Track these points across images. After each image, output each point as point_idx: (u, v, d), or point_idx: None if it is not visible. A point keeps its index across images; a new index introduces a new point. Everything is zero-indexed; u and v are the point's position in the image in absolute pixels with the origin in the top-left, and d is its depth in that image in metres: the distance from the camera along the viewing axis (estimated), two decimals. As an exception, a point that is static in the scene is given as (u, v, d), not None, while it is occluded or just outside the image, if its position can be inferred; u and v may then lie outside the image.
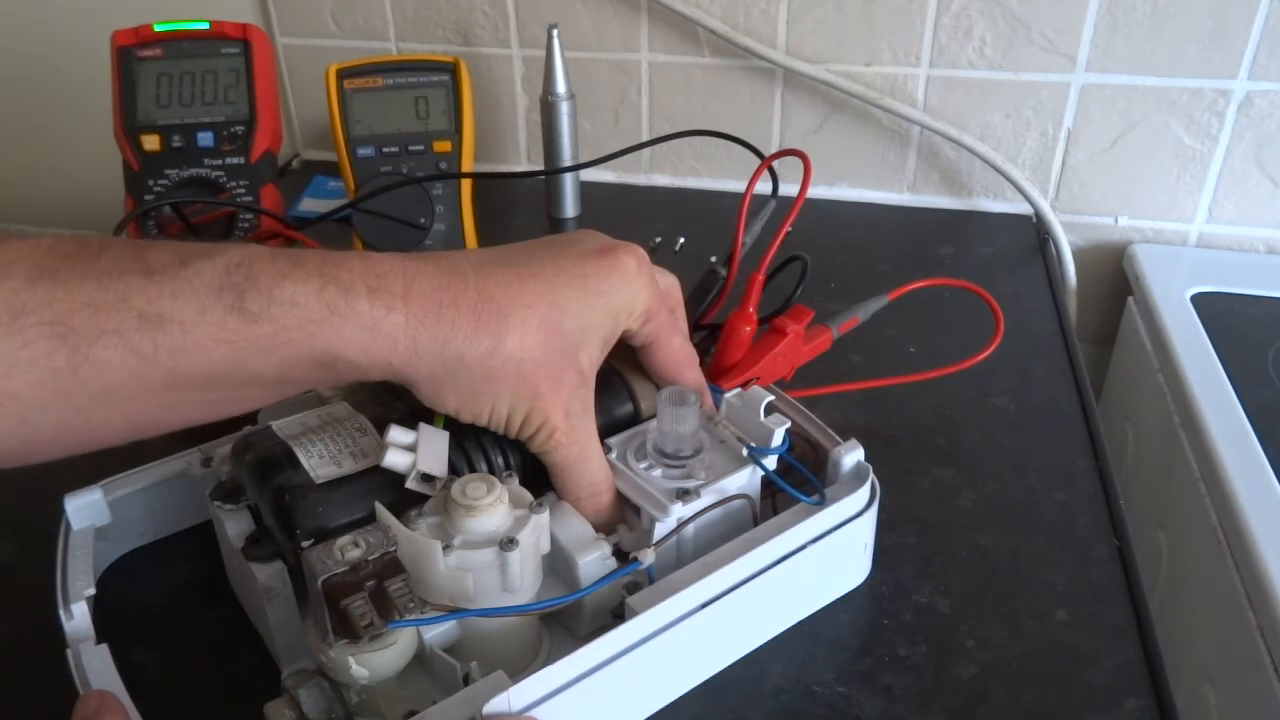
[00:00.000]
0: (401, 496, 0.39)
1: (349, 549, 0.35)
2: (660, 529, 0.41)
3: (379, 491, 0.39)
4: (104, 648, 0.38)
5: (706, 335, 0.53)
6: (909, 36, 0.81)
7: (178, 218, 0.61)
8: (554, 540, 0.40)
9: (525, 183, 0.92)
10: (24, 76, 1.01)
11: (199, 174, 0.62)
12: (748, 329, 0.51)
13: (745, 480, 0.44)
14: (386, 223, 0.63)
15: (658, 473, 0.43)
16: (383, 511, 0.37)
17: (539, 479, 0.42)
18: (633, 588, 0.40)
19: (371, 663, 0.35)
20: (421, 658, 0.38)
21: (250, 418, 0.43)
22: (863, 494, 0.45)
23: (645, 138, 0.90)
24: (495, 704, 0.34)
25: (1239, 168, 0.80)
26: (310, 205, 0.88)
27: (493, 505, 0.37)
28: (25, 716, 0.42)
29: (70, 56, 0.98)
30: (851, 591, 0.47)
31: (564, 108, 0.80)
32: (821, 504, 0.44)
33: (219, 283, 0.34)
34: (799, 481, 0.44)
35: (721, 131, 0.66)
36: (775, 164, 0.55)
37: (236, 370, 0.34)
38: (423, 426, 0.39)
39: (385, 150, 0.63)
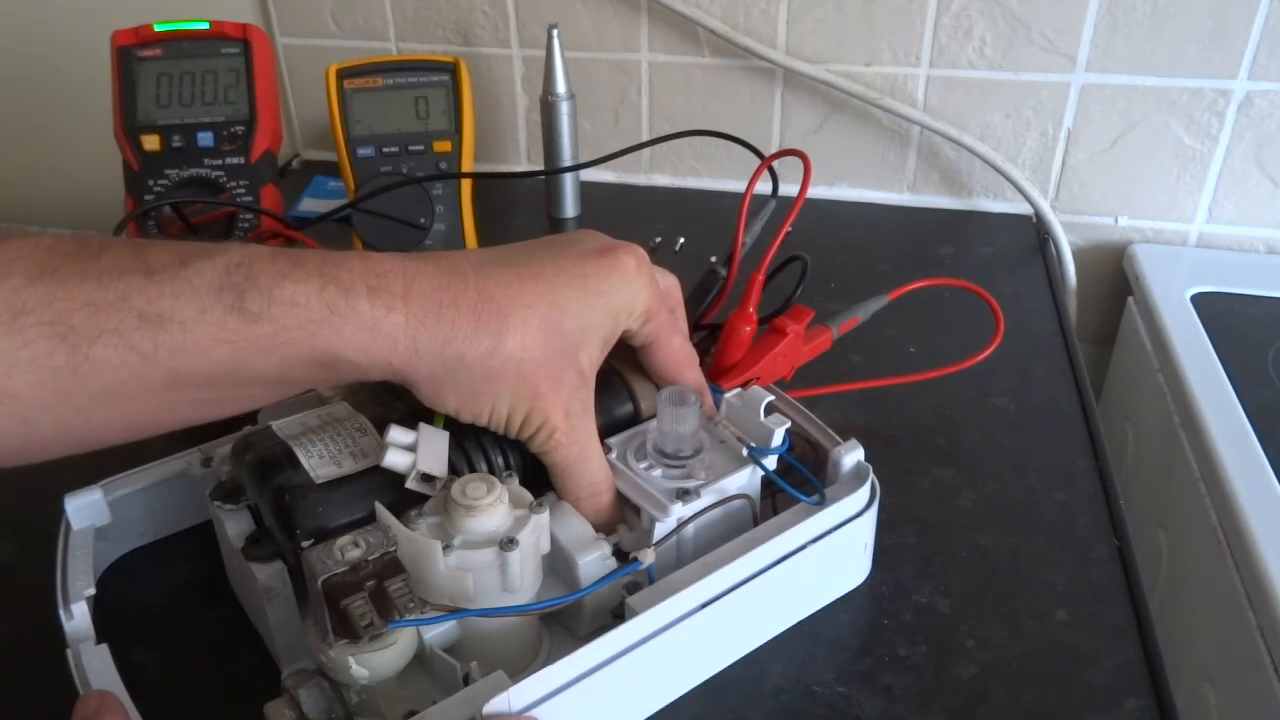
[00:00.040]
0: (401, 496, 0.39)
1: (349, 549, 0.35)
2: (660, 529, 0.41)
3: (379, 491, 0.39)
4: (104, 648, 0.38)
5: (706, 335, 0.53)
6: (909, 36, 0.81)
7: (178, 218, 0.61)
8: (554, 540, 0.40)
9: (525, 183, 0.92)
10: (24, 76, 1.01)
11: (199, 174, 0.62)
12: (748, 329, 0.51)
13: (745, 480, 0.44)
14: (386, 223, 0.63)
15: (658, 473, 0.43)
16: (383, 511, 0.37)
17: (539, 479, 0.42)
18: (633, 588, 0.40)
19: (371, 663, 0.35)
20: (421, 658, 0.38)
21: (250, 418, 0.43)
22: (863, 494, 0.45)
23: (645, 138, 0.90)
24: (495, 704, 0.34)
25: (1239, 168, 0.80)
26: (310, 205, 0.88)
27: (493, 505, 0.37)
28: (25, 716, 0.42)
29: (70, 56, 0.98)
30: (851, 591, 0.47)
31: (564, 108, 0.80)
32: (821, 504, 0.44)
33: (219, 282, 0.34)
34: (799, 481, 0.44)
35: (721, 131, 0.66)
36: (775, 164, 0.55)
37: (236, 370, 0.34)
38: (423, 426, 0.39)
39: (385, 150, 0.63)
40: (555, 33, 0.79)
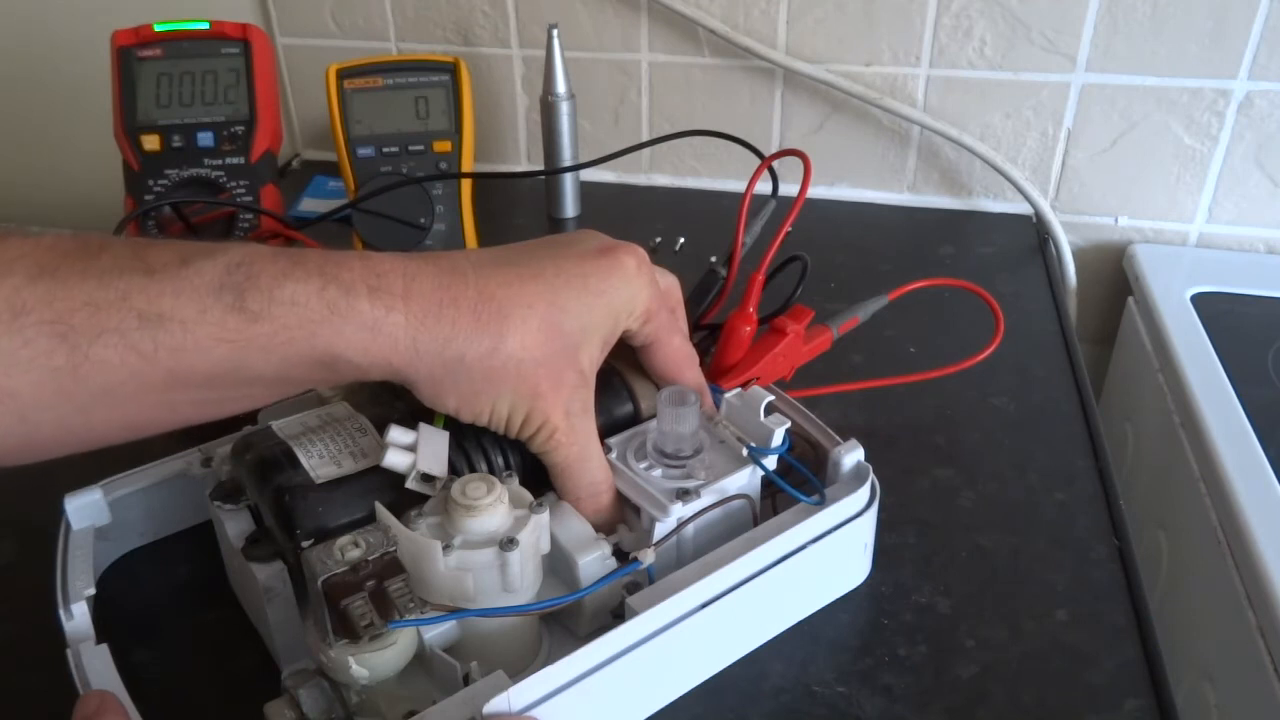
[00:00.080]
0: (401, 496, 0.39)
1: (349, 549, 0.35)
2: (660, 529, 0.41)
3: (379, 491, 0.39)
4: (104, 648, 0.38)
5: (706, 335, 0.53)
6: (909, 36, 0.81)
7: (178, 218, 0.61)
8: (554, 540, 0.40)
9: (525, 183, 0.92)
10: (24, 76, 1.01)
11: (199, 174, 0.62)
12: (748, 329, 0.51)
13: (745, 480, 0.44)
14: (386, 223, 0.63)
15: (658, 473, 0.43)
16: (383, 511, 0.37)
17: (539, 479, 0.42)
18: (633, 588, 0.40)
19: (371, 663, 0.35)
20: (421, 658, 0.38)
21: (250, 418, 0.43)
22: (863, 494, 0.45)
23: (645, 138, 0.90)
24: (495, 704, 0.34)
25: (1239, 168, 0.80)
26: (310, 205, 0.88)
27: (493, 505, 0.37)
28: (25, 716, 0.42)
29: (70, 56, 0.98)
30: (851, 591, 0.47)
31: (564, 108, 0.80)
32: (821, 504, 0.44)
33: (220, 282, 0.34)
34: (799, 481, 0.44)
35: (721, 131, 0.66)
36: (775, 164, 0.55)
37: (237, 370, 0.34)
38: (423, 426, 0.39)
39: (385, 150, 0.63)
40: (555, 33, 0.79)
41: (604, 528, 0.42)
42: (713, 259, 0.55)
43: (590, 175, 0.91)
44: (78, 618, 0.40)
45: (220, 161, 0.62)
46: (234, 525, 0.42)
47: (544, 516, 0.39)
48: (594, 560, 0.40)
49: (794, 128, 0.88)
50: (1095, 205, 0.85)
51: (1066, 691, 0.42)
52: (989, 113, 0.82)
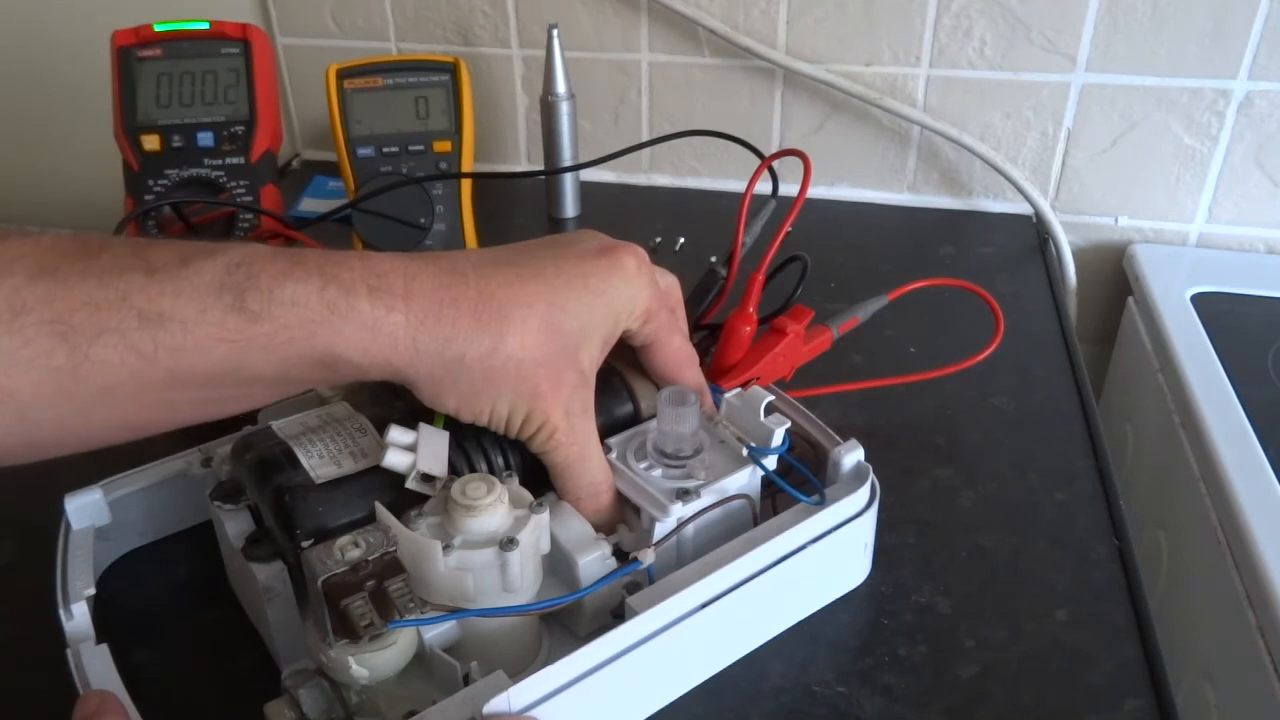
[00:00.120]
0: (401, 496, 0.39)
1: (349, 549, 0.35)
2: (660, 529, 0.41)
3: (379, 491, 0.39)
4: (104, 648, 0.38)
5: (706, 335, 0.53)
6: (909, 36, 0.81)
7: (178, 218, 0.61)
8: (554, 540, 0.40)
9: (525, 183, 0.92)
10: (24, 76, 1.01)
11: (199, 174, 0.62)
12: (748, 329, 0.51)
13: (745, 480, 0.44)
14: (386, 223, 0.63)
15: (658, 473, 0.43)
16: (383, 511, 0.37)
17: (539, 479, 0.42)
18: (633, 588, 0.40)
19: (371, 663, 0.35)
20: (421, 658, 0.38)
21: (250, 418, 0.43)
22: (863, 494, 0.45)
23: (645, 138, 0.90)
24: (495, 704, 0.34)
25: (1239, 168, 0.80)
26: (310, 205, 0.88)
27: (493, 505, 0.37)
28: (25, 716, 0.42)
29: (70, 56, 0.98)
30: (851, 591, 0.47)
31: (564, 108, 0.80)
32: (821, 504, 0.44)
33: (220, 282, 0.34)
34: (799, 481, 0.44)
35: (721, 131, 0.66)
36: (775, 164, 0.55)
37: (237, 370, 0.34)
38: (423, 426, 0.39)
39: (385, 150, 0.63)
40: (555, 33, 0.79)
41: (604, 528, 0.42)
42: (713, 259, 0.55)
43: (590, 175, 0.91)
44: (78, 618, 0.40)
45: (220, 161, 0.62)
46: (234, 525, 0.42)
47: (544, 516, 0.39)
48: (594, 560, 0.40)
49: (794, 128, 0.88)
50: (1095, 205, 0.85)
51: (1066, 691, 0.42)
52: (989, 113, 0.82)
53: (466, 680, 0.36)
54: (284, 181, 0.91)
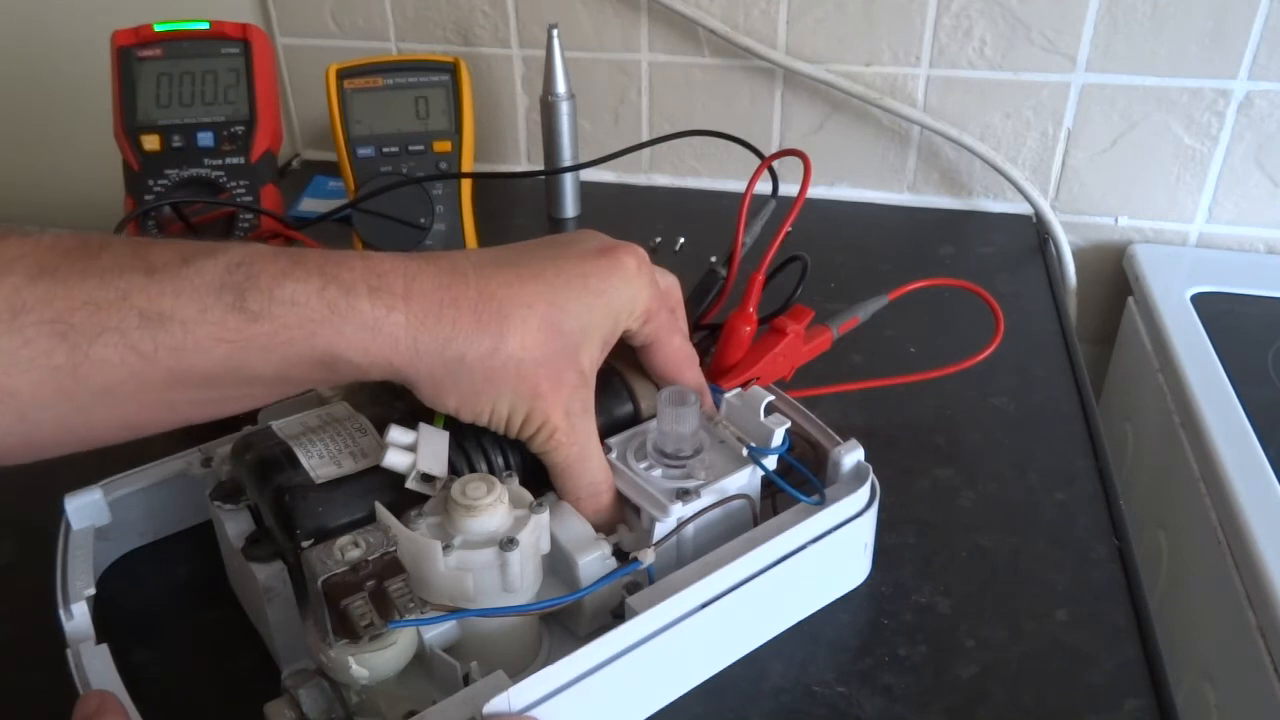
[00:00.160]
0: (401, 496, 0.39)
1: (349, 549, 0.35)
2: (660, 529, 0.41)
3: (379, 491, 0.39)
4: (104, 648, 0.38)
5: (706, 335, 0.53)
6: (909, 36, 0.81)
7: (178, 218, 0.61)
8: (554, 540, 0.40)
9: (525, 183, 0.92)
10: (24, 76, 1.00)
11: (199, 174, 0.62)
12: (748, 329, 0.51)
13: (745, 480, 0.44)
14: (386, 223, 0.63)
15: (658, 473, 0.43)
16: (383, 511, 0.37)
17: (539, 479, 0.42)
18: (633, 588, 0.40)
19: (371, 663, 0.35)
20: (421, 658, 0.38)
21: (250, 418, 0.43)
22: (863, 494, 0.45)
23: (645, 138, 0.90)
24: (495, 704, 0.34)
25: (1239, 168, 0.80)
26: (310, 205, 0.88)
27: (493, 505, 0.37)
28: (25, 716, 0.42)
29: (70, 56, 0.98)
30: (851, 591, 0.47)
31: (564, 108, 0.80)
32: (821, 504, 0.44)
33: (220, 281, 0.34)
34: (799, 481, 0.44)
35: (721, 131, 0.66)
36: (775, 164, 0.55)
37: (237, 369, 0.34)
38: (423, 426, 0.39)
39: (385, 150, 0.63)
40: (555, 33, 0.79)
41: (604, 528, 0.42)
42: (713, 259, 0.55)
43: (590, 175, 0.91)
44: (78, 618, 0.40)
45: (220, 161, 0.62)
46: (234, 525, 0.42)
47: (544, 516, 0.39)
48: (594, 560, 0.40)
49: (794, 128, 0.88)
50: (1095, 205, 0.85)
51: (1066, 691, 0.42)
52: (989, 113, 0.83)
53: (466, 680, 0.36)
54: (284, 181, 0.91)
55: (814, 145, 0.87)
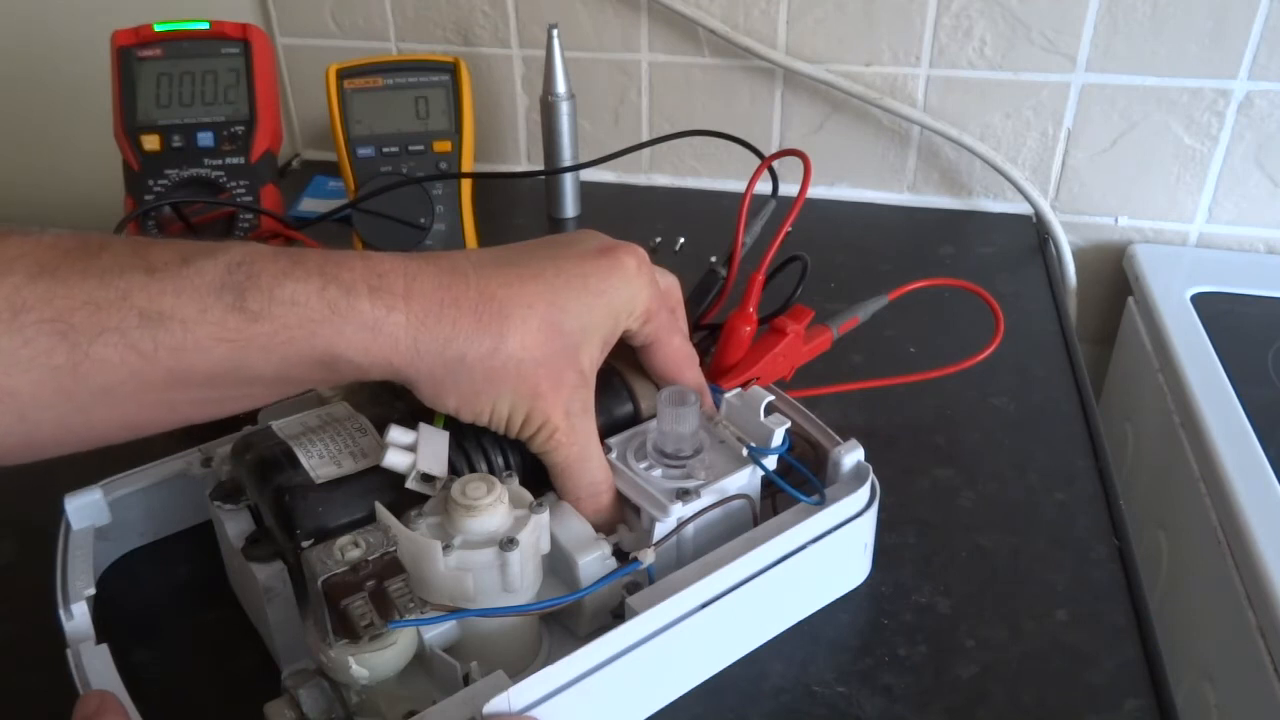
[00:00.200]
0: (401, 496, 0.39)
1: (349, 549, 0.35)
2: (660, 529, 0.41)
3: (379, 491, 0.39)
4: (104, 648, 0.38)
5: (706, 335, 0.53)
6: (909, 36, 0.81)
7: (178, 218, 0.61)
8: (554, 540, 0.40)
9: (525, 183, 0.92)
10: (24, 76, 1.00)
11: (199, 174, 0.62)
12: (748, 329, 0.51)
13: (745, 480, 0.44)
14: (386, 223, 0.63)
15: (658, 473, 0.43)
16: (383, 511, 0.37)
17: (539, 479, 0.42)
18: (633, 588, 0.40)
19: (371, 663, 0.35)
20: (421, 658, 0.38)
21: (250, 418, 0.43)
22: (863, 494, 0.45)
23: (645, 138, 0.90)
24: (495, 704, 0.34)
25: (1239, 168, 0.80)
26: (310, 205, 0.88)
27: (493, 505, 0.37)
28: (25, 716, 0.42)
29: (70, 56, 0.98)
30: (851, 591, 0.47)
31: (564, 108, 0.80)
32: (821, 504, 0.44)
33: (220, 281, 0.34)
34: (799, 481, 0.44)
35: (721, 131, 0.66)
36: (775, 164, 0.55)
37: (237, 369, 0.34)
38: (423, 426, 0.39)
39: (385, 150, 0.63)
40: (555, 33, 0.79)
41: (604, 528, 0.42)
42: (713, 259, 0.55)
43: (590, 175, 0.91)
44: (78, 618, 0.40)
45: (220, 161, 0.62)
46: (234, 525, 0.42)
47: (544, 516, 0.39)
48: (594, 560, 0.40)
49: (794, 128, 0.88)
50: (1095, 205, 0.85)
51: (1066, 691, 0.42)
52: (989, 113, 0.83)
53: (466, 680, 0.36)
54: (284, 181, 0.91)
55: (814, 145, 0.87)
